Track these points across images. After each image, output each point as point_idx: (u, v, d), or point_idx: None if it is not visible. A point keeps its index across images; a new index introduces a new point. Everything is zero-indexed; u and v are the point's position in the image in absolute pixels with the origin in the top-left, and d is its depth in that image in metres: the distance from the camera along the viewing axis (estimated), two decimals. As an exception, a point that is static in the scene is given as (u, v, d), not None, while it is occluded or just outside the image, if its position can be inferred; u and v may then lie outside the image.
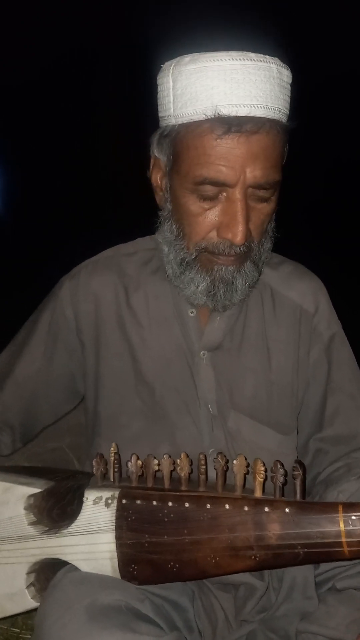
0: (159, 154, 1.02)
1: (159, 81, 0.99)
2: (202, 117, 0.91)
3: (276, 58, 0.93)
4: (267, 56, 0.92)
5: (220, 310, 1.07)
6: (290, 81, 0.97)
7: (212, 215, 0.96)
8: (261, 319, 1.14)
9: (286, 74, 0.95)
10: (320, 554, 0.79)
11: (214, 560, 0.83)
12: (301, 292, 1.15)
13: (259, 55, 0.91)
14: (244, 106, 0.89)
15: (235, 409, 1.10)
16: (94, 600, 0.81)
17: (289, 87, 0.97)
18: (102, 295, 1.12)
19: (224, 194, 0.94)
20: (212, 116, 0.89)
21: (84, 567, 0.88)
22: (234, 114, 0.89)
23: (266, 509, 0.81)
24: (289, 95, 0.97)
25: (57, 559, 0.90)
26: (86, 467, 1.23)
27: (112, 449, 0.95)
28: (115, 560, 0.86)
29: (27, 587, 0.93)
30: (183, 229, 1.00)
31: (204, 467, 0.88)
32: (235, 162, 0.91)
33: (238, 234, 0.94)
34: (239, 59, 0.90)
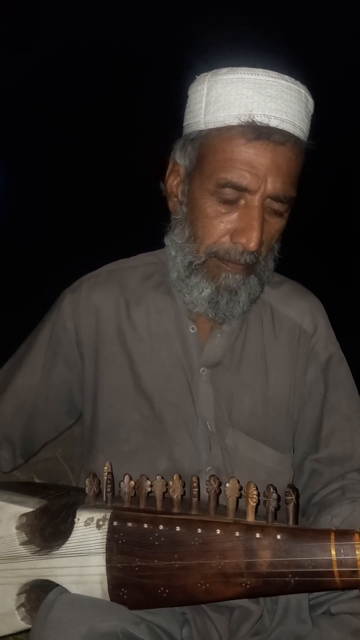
0: (180, 158, 1.04)
1: (191, 90, 1.02)
2: (235, 121, 0.94)
3: (305, 87, 0.98)
4: (299, 82, 0.97)
5: (219, 322, 1.07)
6: (312, 112, 1.01)
7: (228, 220, 0.98)
8: (260, 337, 1.13)
9: (311, 104, 1.00)
10: (312, 582, 0.77)
11: (204, 587, 0.81)
12: (300, 311, 1.15)
13: (292, 78, 0.96)
14: (275, 118, 0.94)
15: (233, 426, 1.09)
16: (90, 627, 0.80)
17: (310, 116, 1.01)
18: (103, 309, 1.12)
19: (243, 200, 0.96)
20: (245, 121, 0.93)
21: (74, 589, 0.87)
22: (265, 122, 0.93)
23: (257, 535, 0.80)
24: (310, 123, 1.01)
25: (48, 581, 0.90)
26: (81, 480, 1.22)
27: (105, 467, 0.95)
28: (105, 584, 0.85)
29: (17, 607, 0.92)
30: (196, 231, 1.01)
31: (196, 489, 0.87)
32: (259, 170, 0.94)
33: (252, 239, 0.95)
34: (274, 77, 0.95)
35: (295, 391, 1.13)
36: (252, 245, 0.96)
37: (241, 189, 0.95)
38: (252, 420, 1.10)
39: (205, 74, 1.00)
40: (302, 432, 1.16)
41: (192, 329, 1.10)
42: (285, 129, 0.95)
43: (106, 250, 1.34)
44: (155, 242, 1.18)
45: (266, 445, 1.10)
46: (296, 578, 0.77)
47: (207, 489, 0.86)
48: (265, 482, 1.06)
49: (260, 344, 1.13)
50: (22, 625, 0.92)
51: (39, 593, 0.92)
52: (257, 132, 0.93)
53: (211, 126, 0.97)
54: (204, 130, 0.98)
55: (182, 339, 1.10)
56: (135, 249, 1.20)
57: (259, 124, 0.93)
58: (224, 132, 0.96)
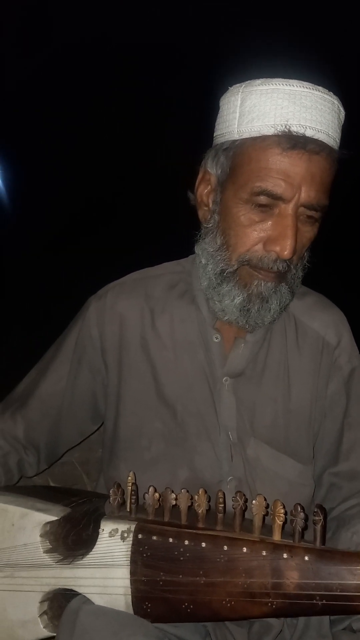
0: (212, 167, 1.04)
1: (224, 100, 1.02)
2: (271, 130, 0.94)
3: (337, 97, 0.98)
4: (331, 92, 0.97)
5: (249, 330, 1.07)
6: (343, 122, 1.01)
7: (261, 228, 0.98)
8: (284, 348, 1.13)
9: (343, 114, 1.00)
10: (339, 606, 0.77)
11: (229, 604, 0.81)
12: (324, 323, 1.15)
13: (325, 89, 0.96)
14: (310, 128, 0.94)
15: (255, 437, 1.08)
16: None
17: (341, 126, 1.01)
18: (128, 317, 1.12)
19: (276, 209, 0.97)
20: (281, 131, 0.93)
21: (98, 600, 0.87)
22: (301, 132, 0.93)
23: (285, 555, 0.79)
24: (341, 133, 1.01)
25: (71, 590, 0.90)
26: (99, 485, 1.22)
27: (129, 478, 0.94)
28: (129, 597, 0.85)
29: (40, 615, 0.92)
30: (229, 239, 1.01)
31: (222, 505, 0.87)
32: (294, 179, 0.94)
33: (287, 247, 0.96)
34: (309, 87, 0.95)
35: (317, 403, 1.13)
36: (287, 253, 0.96)
37: (276, 198, 0.95)
38: (273, 431, 1.10)
39: (238, 85, 1.00)
40: (322, 444, 1.15)
41: (216, 338, 1.09)
42: (320, 138, 0.95)
43: (131, 258, 1.34)
44: (178, 250, 1.18)
45: (288, 457, 1.10)
46: (323, 601, 0.77)
47: (233, 505, 0.86)
48: (287, 494, 1.07)
49: (283, 355, 1.12)
50: (44, 632, 0.92)
51: (61, 601, 0.93)
52: (293, 141, 0.93)
53: (246, 136, 0.97)
54: (237, 139, 0.98)
55: (205, 348, 1.10)
56: (159, 258, 1.21)
57: (295, 133, 0.93)
58: (259, 142, 0.96)
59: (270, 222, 0.97)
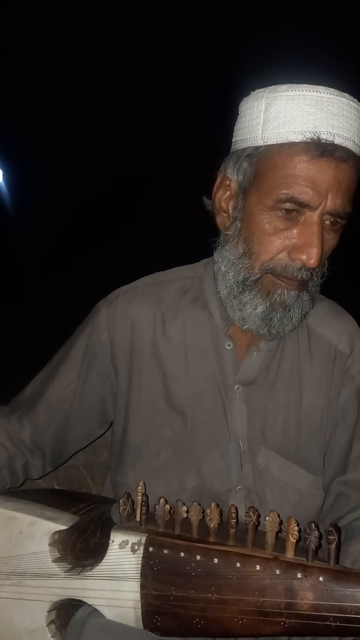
0: (232, 173, 1.02)
1: (245, 106, 1.00)
2: (299, 137, 0.93)
3: None
4: (356, 100, 0.95)
5: (269, 339, 1.06)
6: None
7: (286, 236, 0.97)
8: (296, 356, 1.12)
9: None
10: (354, 628, 0.76)
11: (240, 622, 0.80)
12: (337, 331, 1.14)
13: (350, 96, 0.95)
14: (339, 136, 0.93)
15: (265, 446, 1.07)
16: None
17: None
18: (139, 323, 1.10)
19: (302, 217, 0.95)
20: (310, 138, 0.92)
21: (107, 613, 0.86)
22: (330, 139, 0.92)
23: (299, 575, 0.78)
24: None
25: (80, 601, 0.89)
26: (105, 489, 1.22)
27: (139, 488, 0.93)
28: (139, 610, 0.85)
29: (48, 624, 0.92)
30: (252, 247, 1.00)
31: (234, 520, 0.86)
32: (321, 187, 0.93)
33: (313, 256, 0.95)
34: (335, 94, 0.94)
35: (328, 412, 1.12)
36: (313, 261, 0.95)
37: (302, 205, 0.94)
38: (284, 440, 1.09)
39: (261, 90, 0.98)
40: (332, 453, 1.14)
41: (228, 345, 1.08)
42: (348, 146, 0.93)
43: (140, 265, 1.32)
44: (189, 256, 1.16)
45: (298, 467, 1.09)
46: (337, 623, 0.76)
47: (245, 521, 0.85)
48: (297, 503, 1.06)
49: (295, 363, 1.11)
50: (51, 642, 0.92)
51: (69, 611, 0.92)
52: (322, 149, 0.92)
53: (271, 142, 0.95)
54: (262, 146, 0.96)
55: (217, 355, 1.08)
56: (169, 265, 1.19)
57: (323, 140, 0.92)
58: (286, 148, 0.94)
59: (295, 230, 0.96)
